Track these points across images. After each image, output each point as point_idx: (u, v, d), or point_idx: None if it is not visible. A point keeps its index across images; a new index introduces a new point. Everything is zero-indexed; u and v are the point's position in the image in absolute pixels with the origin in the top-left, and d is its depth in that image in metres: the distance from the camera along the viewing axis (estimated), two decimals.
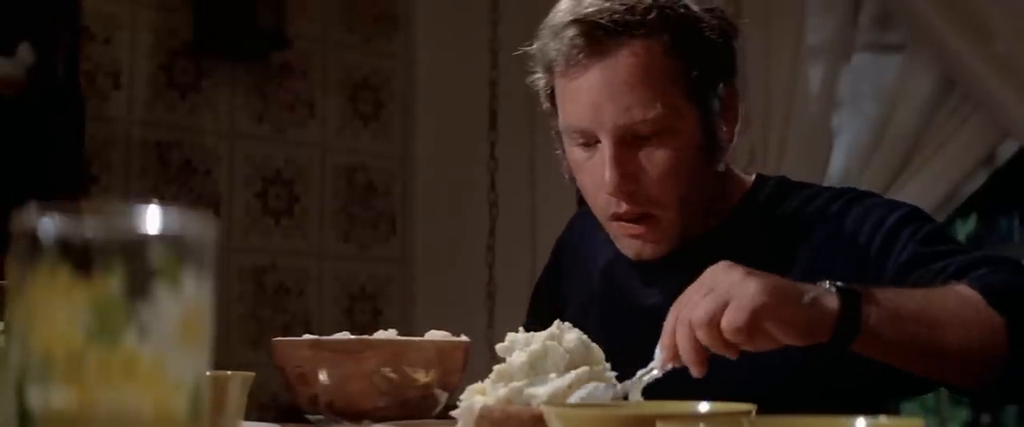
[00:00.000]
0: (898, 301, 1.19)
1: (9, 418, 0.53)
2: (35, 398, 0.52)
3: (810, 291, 1.14)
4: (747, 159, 2.95)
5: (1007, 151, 2.90)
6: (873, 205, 1.46)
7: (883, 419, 0.67)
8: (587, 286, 1.63)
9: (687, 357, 1.12)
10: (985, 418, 3.75)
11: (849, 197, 1.48)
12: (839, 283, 1.15)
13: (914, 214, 1.43)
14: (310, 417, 1.28)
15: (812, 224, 1.46)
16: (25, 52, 2.81)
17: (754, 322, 1.08)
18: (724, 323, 1.09)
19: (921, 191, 2.85)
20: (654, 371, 1.15)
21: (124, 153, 3.32)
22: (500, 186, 3.67)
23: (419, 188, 3.87)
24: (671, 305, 1.35)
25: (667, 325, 1.15)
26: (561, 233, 1.78)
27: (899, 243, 1.38)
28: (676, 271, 1.47)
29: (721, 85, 1.45)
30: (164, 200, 3.27)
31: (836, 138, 3.09)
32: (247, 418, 1.22)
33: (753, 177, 1.57)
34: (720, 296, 1.10)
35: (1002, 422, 3.73)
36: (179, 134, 3.42)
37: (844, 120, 3.10)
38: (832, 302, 1.14)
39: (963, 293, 1.22)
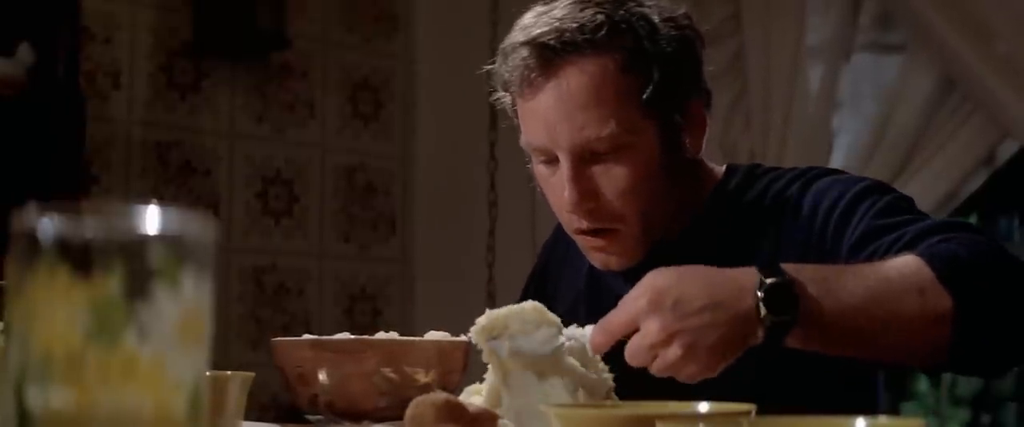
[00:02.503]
0: (837, 284, 1.14)
1: (8, 418, 0.53)
2: (34, 398, 0.52)
3: (746, 299, 1.11)
4: (747, 159, 2.95)
5: (1007, 151, 2.90)
6: (833, 181, 1.43)
7: (883, 419, 0.67)
8: (575, 285, 1.63)
9: (631, 360, 1.13)
10: (985, 418, 3.75)
11: (810, 176, 1.46)
12: (770, 279, 1.12)
13: (872, 187, 1.40)
14: (310, 417, 1.28)
15: (777, 208, 1.45)
16: (25, 52, 2.80)
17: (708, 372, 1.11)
18: (683, 376, 1.11)
19: (921, 191, 2.85)
20: (569, 343, 1.15)
21: (124, 153, 3.32)
22: (500, 186, 3.67)
23: (419, 188, 3.87)
24: None
25: (617, 319, 1.13)
26: (549, 235, 1.79)
27: (855, 217, 1.35)
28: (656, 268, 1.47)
29: (683, 97, 1.43)
30: (164, 200, 3.27)
31: (836, 138, 3.09)
32: (247, 418, 1.22)
33: (723, 168, 1.56)
34: (683, 345, 1.09)
35: (1002, 422, 3.73)
36: (179, 134, 3.42)
37: (844, 120, 3.10)
38: (751, 280, 1.12)
39: (909, 266, 1.17)
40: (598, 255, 1.48)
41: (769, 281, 1.11)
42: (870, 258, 1.27)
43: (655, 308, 1.10)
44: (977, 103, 2.86)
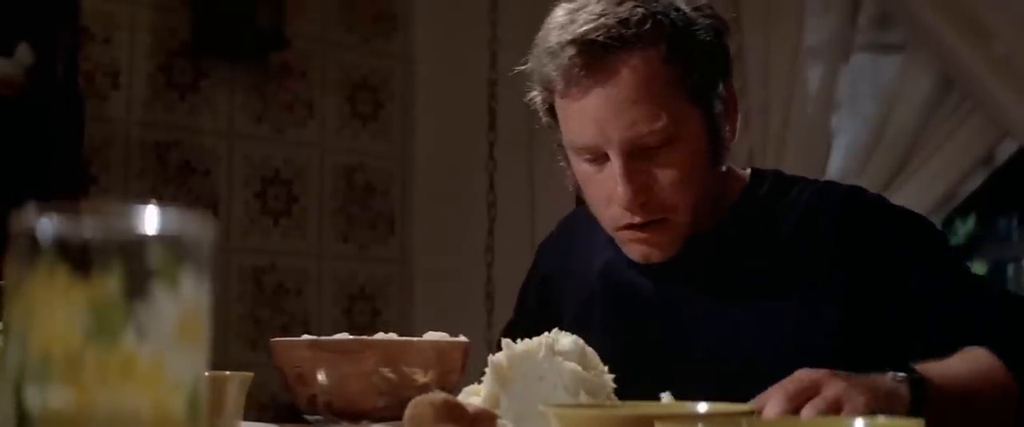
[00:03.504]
0: (949, 379, 1.27)
1: (7, 418, 0.53)
2: (33, 398, 0.52)
3: (885, 385, 1.21)
4: (746, 159, 2.95)
5: (1006, 151, 2.90)
6: (883, 215, 1.49)
7: (882, 419, 0.67)
8: (587, 286, 1.62)
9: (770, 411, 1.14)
10: None
11: (858, 200, 1.50)
12: (906, 374, 1.22)
13: (920, 231, 1.48)
14: (309, 417, 1.27)
15: (816, 220, 1.47)
16: (24, 52, 2.80)
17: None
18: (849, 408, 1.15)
19: (920, 191, 2.85)
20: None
21: (123, 153, 3.32)
22: (499, 186, 3.67)
23: (418, 188, 3.87)
24: (684, 300, 1.46)
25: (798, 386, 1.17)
26: (546, 236, 1.78)
27: (908, 268, 1.42)
28: (683, 268, 1.48)
29: (720, 84, 1.45)
30: (163, 200, 3.27)
31: (835, 138, 3.09)
32: (246, 418, 1.22)
33: (748, 172, 1.58)
34: (831, 399, 1.13)
35: None
36: (178, 134, 3.42)
37: (843, 120, 3.10)
38: (904, 391, 1.21)
39: (989, 364, 1.32)
40: (640, 248, 1.47)
41: (907, 375, 1.22)
42: (929, 314, 1.39)
43: (834, 376, 1.16)
44: (976, 103, 2.86)
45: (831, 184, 1.57)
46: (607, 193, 1.43)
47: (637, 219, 1.43)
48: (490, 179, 3.67)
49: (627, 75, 1.37)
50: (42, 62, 2.82)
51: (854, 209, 1.48)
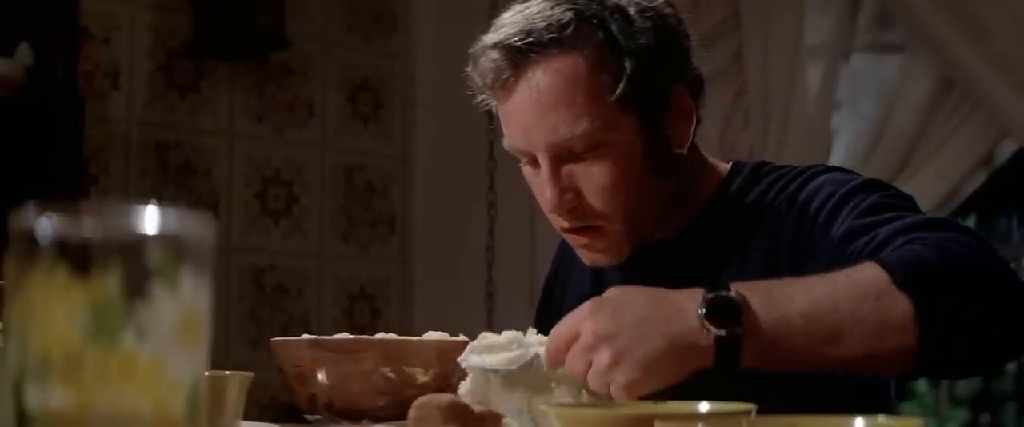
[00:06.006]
0: (781, 296, 1.10)
1: (7, 418, 0.53)
2: (33, 398, 0.52)
3: (687, 318, 1.07)
4: (746, 158, 2.95)
5: (1006, 151, 2.90)
6: (827, 179, 1.40)
7: (882, 419, 0.67)
8: (581, 288, 1.63)
9: (570, 367, 1.10)
10: (984, 418, 3.76)
11: (809, 173, 1.43)
12: (711, 294, 1.08)
13: (863, 185, 1.36)
14: (309, 417, 1.27)
15: (778, 206, 1.42)
16: (24, 52, 2.80)
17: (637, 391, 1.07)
18: (615, 389, 1.06)
19: (920, 191, 2.85)
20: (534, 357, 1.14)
21: (123, 153, 3.32)
22: (499, 186, 3.67)
23: (418, 188, 3.87)
24: None
25: (563, 326, 1.11)
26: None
27: (840, 217, 1.32)
28: (660, 267, 1.46)
29: (664, 89, 1.40)
30: (163, 200, 3.27)
31: (835, 138, 3.09)
32: (246, 418, 1.22)
33: (729, 165, 1.53)
34: (614, 351, 1.06)
35: (1002, 422, 3.73)
36: (178, 134, 3.42)
37: (843, 120, 3.11)
38: (693, 303, 1.08)
39: (864, 272, 1.11)
40: (585, 252, 1.47)
41: (710, 296, 1.08)
42: (846, 260, 1.22)
43: (593, 314, 1.08)
44: (976, 102, 2.86)
45: (794, 167, 1.48)
46: (543, 197, 1.42)
47: (568, 223, 1.42)
48: (490, 179, 3.67)
49: (547, 78, 1.35)
50: (42, 62, 2.82)
51: (801, 185, 1.41)
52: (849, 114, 3.11)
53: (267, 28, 3.37)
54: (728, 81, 3.09)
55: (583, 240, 1.44)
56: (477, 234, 3.69)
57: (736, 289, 1.09)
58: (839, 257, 1.25)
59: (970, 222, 3.34)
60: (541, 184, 1.41)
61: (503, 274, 3.66)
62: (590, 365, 1.08)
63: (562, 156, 1.38)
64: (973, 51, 2.81)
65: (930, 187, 2.89)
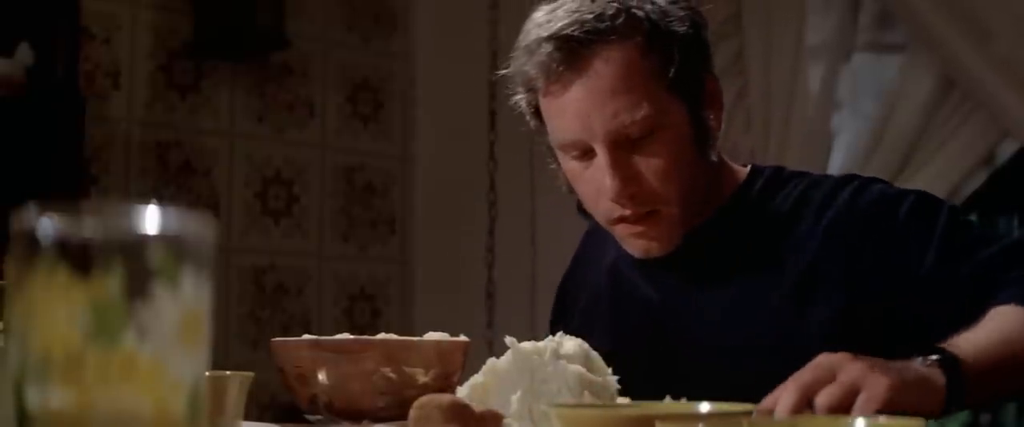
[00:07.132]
0: (984, 351, 1.22)
1: (8, 418, 0.53)
2: (34, 398, 0.52)
3: (914, 370, 1.16)
4: (747, 159, 2.94)
5: (1007, 151, 2.90)
6: (880, 194, 1.46)
7: (882, 419, 0.67)
8: (598, 280, 1.64)
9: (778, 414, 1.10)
10: (984, 418, 3.75)
11: (856, 185, 1.48)
12: (935, 356, 1.18)
13: (921, 203, 1.45)
14: (309, 417, 1.27)
15: (816, 213, 1.46)
16: (25, 52, 2.80)
17: (881, 413, 1.09)
18: (856, 411, 1.09)
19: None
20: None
21: (124, 153, 3.32)
22: (499, 186, 3.67)
23: (418, 188, 3.87)
24: (682, 299, 1.46)
25: (781, 390, 1.12)
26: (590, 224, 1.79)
27: (915, 241, 1.40)
28: (674, 266, 1.48)
29: (701, 75, 1.46)
30: (163, 200, 3.27)
31: (836, 138, 3.09)
32: (246, 418, 1.22)
33: (748, 168, 1.57)
34: (847, 385, 1.09)
35: (1002, 422, 3.73)
36: (179, 134, 3.42)
37: (844, 120, 3.10)
38: (937, 375, 1.17)
39: (1020, 319, 1.28)
40: (638, 242, 1.48)
41: (937, 357, 1.19)
42: (946, 283, 1.36)
43: (854, 359, 1.12)
44: (977, 102, 2.86)
45: (826, 177, 1.56)
46: (596, 188, 1.44)
47: (628, 212, 1.44)
48: (490, 179, 3.67)
49: (605, 67, 1.39)
50: (42, 62, 2.82)
51: (844, 197, 1.46)
52: (850, 114, 3.11)
53: (267, 28, 3.37)
54: (730, 81, 3.08)
55: (638, 229, 1.46)
56: (477, 234, 3.69)
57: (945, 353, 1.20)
58: (935, 285, 1.38)
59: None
60: (593, 176, 1.44)
61: (503, 274, 3.66)
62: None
63: (619, 143, 1.41)
64: (974, 51, 2.81)
65: (930, 187, 2.88)
